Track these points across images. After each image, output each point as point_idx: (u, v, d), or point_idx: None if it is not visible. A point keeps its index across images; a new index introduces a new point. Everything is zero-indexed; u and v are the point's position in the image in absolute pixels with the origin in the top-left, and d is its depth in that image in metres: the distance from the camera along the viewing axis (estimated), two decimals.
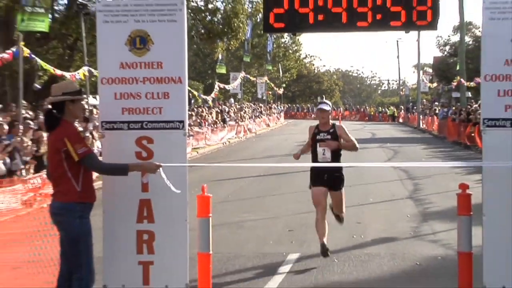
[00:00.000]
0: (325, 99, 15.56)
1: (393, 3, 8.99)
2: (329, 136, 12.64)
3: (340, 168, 12.88)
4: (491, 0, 9.18)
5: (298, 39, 75.39)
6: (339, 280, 12.09)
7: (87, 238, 8.57)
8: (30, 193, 19.30)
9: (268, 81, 74.51)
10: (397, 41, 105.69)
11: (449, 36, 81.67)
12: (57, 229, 8.70)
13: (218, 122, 48.47)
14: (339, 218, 13.71)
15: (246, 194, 23.10)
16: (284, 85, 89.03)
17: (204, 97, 50.70)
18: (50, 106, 8.71)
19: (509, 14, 9.03)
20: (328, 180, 12.59)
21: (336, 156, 12.73)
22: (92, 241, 8.65)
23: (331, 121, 13.19)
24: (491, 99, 9.10)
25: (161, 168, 8.66)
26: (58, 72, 29.91)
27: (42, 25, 21.34)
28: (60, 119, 8.48)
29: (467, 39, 60.91)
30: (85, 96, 7.82)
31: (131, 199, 9.12)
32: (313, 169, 12.93)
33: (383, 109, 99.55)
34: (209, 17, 43.07)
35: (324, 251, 12.19)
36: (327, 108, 13.00)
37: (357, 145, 13.27)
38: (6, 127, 21.58)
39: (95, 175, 9.06)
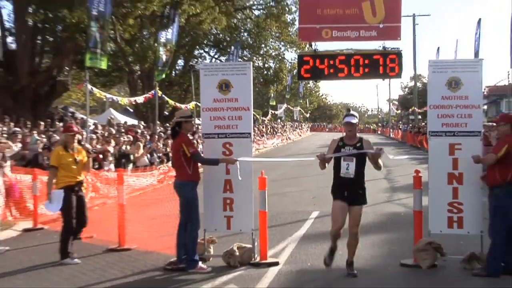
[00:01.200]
0: (351, 111, 11.91)
1: (375, 63, 11.94)
2: (355, 151, 10.70)
3: (362, 183, 10.96)
4: (433, 61, 12.07)
5: (318, 84, 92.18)
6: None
7: (195, 201, 11.53)
8: (161, 175, 23.45)
9: (300, 109, 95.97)
10: (377, 85, 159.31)
11: (407, 82, 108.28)
12: (178, 196, 11.65)
13: (270, 133, 63.56)
14: (351, 245, 11.11)
15: (287, 176, 28.83)
16: (309, 111, 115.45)
17: (263, 118, 66.00)
18: (174, 125, 11.85)
19: (443, 69, 11.90)
20: (349, 196, 10.86)
21: (360, 173, 10.81)
22: (198, 203, 11.54)
23: (358, 135, 11.18)
24: (433, 119, 11.93)
25: (237, 162, 11.54)
26: (178, 104, 37.76)
27: (102, 63, 22.13)
28: (179, 132, 11.73)
29: (418, 84, 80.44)
30: (193, 118, 10.50)
31: (220, 178, 12.02)
32: (335, 182, 11.09)
33: (368, 126, 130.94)
34: (265, 72, 58.23)
35: (330, 257, 11.12)
36: (353, 120, 10.92)
37: (381, 164, 11.05)
38: (148, 137, 29.37)
39: (200, 165, 11.77)
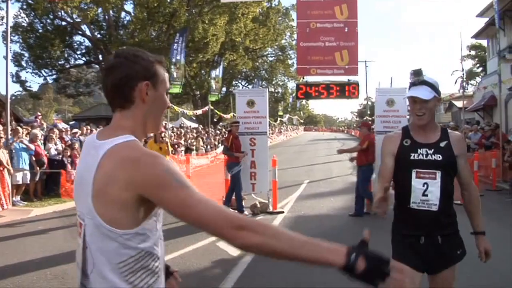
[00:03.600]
0: (423, 74, 3.20)
1: (343, 89, 12.05)
2: (439, 156, 3.15)
3: (454, 217, 3.27)
4: (379, 88, 12.21)
5: (308, 102, 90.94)
6: (321, 191, 15.29)
7: (238, 175, 11.19)
8: (212, 158, 22.89)
9: (297, 117, 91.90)
10: (344, 101, 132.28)
11: (362, 101, 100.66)
12: (227, 172, 11.43)
13: (279, 132, 62.52)
14: None
15: (289, 158, 27.32)
16: (303, 119, 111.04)
17: (274, 123, 61.53)
18: (228, 127, 11.88)
19: (384, 93, 11.75)
20: (427, 249, 3.16)
21: (448, 200, 3.20)
22: (238, 175, 11.22)
23: (438, 124, 3.41)
24: (378, 124, 11.76)
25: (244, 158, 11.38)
26: (222, 115, 38.76)
27: (178, 90, 22.24)
28: (230, 132, 11.61)
29: (369, 102, 72.19)
30: (239, 124, 10.37)
31: (248, 160, 11.76)
32: (400, 219, 3.31)
33: (339, 127, 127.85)
34: (275, 95, 58.27)
35: None
36: (426, 96, 3.13)
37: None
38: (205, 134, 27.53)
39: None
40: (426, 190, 3.10)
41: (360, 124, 12.41)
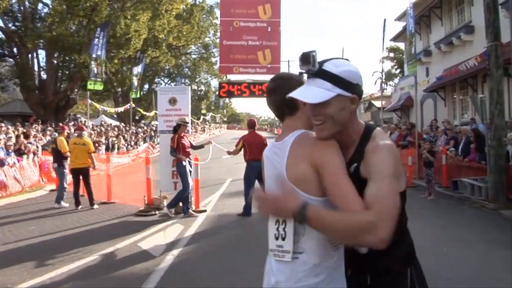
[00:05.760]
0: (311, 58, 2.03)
1: (263, 90, 12.69)
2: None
3: (396, 251, 2.03)
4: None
5: (231, 100, 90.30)
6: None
7: (186, 174, 10.65)
8: (134, 156, 22.46)
9: (220, 116, 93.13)
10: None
11: None
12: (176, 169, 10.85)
13: (202, 130, 60.02)
14: None
15: (212, 157, 27.46)
16: (226, 117, 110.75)
17: (197, 121, 60.40)
18: (175, 125, 10.82)
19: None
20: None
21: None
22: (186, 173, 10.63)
23: (363, 127, 2.11)
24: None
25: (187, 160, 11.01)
26: (144, 113, 40.59)
27: (99, 87, 21.87)
28: (176, 132, 10.78)
29: None
30: (185, 123, 10.02)
31: (170, 158, 11.14)
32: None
33: (262, 126, 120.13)
34: (198, 92, 60.13)
35: None
36: (315, 98, 1.96)
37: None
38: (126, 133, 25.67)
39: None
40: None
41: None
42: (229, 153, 11.54)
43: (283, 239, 2.05)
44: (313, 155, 2.00)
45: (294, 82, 2.22)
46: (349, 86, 2.00)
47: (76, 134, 13.20)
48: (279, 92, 2.23)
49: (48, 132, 22.39)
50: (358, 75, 2.06)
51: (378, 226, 1.76)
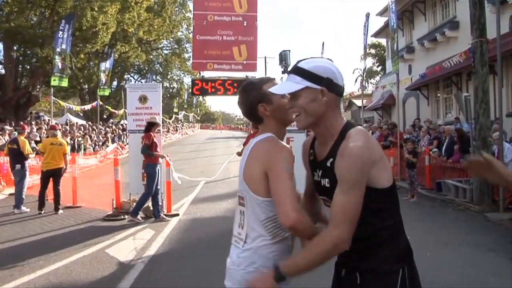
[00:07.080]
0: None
1: (240, 85, 12.59)
2: (328, 182, 2.23)
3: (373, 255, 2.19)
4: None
5: (205, 98, 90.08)
6: (218, 192, 15.23)
7: (156, 176, 10.61)
8: (102, 157, 22.34)
9: (194, 114, 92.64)
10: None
11: None
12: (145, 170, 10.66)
13: (174, 130, 58.23)
14: None
15: (185, 157, 27.43)
16: (199, 116, 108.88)
17: (169, 121, 60.50)
18: (148, 124, 10.81)
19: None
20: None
21: (363, 232, 2.15)
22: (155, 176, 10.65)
23: (344, 123, 2.27)
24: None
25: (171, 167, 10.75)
26: (113, 111, 39.59)
27: (63, 83, 21.90)
28: (149, 130, 10.71)
29: None
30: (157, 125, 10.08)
31: (140, 159, 10.99)
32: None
33: (238, 125, 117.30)
34: (170, 90, 59.85)
35: None
36: (283, 90, 2.33)
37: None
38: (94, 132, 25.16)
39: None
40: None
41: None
42: (238, 154, 11.65)
43: (242, 228, 2.48)
44: (265, 158, 2.33)
45: (254, 93, 2.51)
46: (318, 79, 2.22)
47: (48, 135, 13.16)
48: (242, 105, 2.60)
49: (7, 132, 21.98)
50: (329, 70, 2.25)
51: (339, 234, 2.05)
